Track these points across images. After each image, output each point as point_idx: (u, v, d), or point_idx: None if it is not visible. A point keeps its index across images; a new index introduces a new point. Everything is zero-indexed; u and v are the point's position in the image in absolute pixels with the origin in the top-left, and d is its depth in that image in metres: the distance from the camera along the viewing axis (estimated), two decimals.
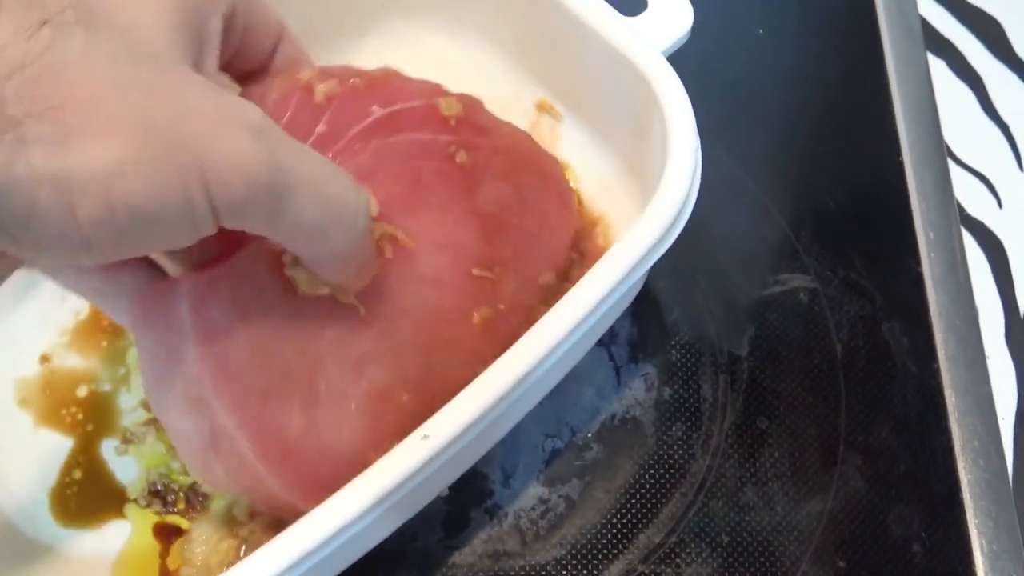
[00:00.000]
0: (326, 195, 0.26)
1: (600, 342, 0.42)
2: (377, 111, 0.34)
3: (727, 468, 0.40)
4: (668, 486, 0.40)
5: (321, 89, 0.33)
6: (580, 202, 0.42)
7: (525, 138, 0.38)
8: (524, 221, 0.36)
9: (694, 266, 0.44)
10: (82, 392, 0.40)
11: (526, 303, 0.35)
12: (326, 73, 0.34)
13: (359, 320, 0.31)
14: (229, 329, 0.29)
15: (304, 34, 0.39)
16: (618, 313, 0.42)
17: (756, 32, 0.51)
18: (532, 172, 0.37)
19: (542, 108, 0.44)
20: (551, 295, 0.36)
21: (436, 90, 0.36)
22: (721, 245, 0.45)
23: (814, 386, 0.42)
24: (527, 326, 0.32)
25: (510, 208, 0.35)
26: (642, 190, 0.40)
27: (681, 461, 0.40)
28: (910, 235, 0.45)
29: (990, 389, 0.42)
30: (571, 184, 0.42)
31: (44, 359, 0.40)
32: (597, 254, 0.40)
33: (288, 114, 0.33)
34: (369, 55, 0.45)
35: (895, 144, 0.47)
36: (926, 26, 0.52)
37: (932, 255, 0.45)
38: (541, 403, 0.41)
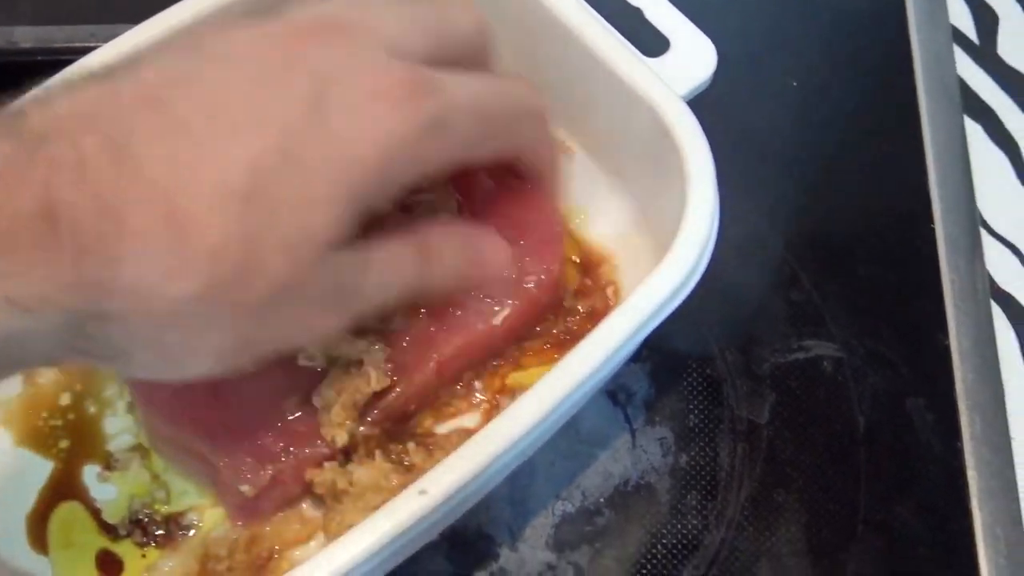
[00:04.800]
0: None
1: (616, 402, 0.41)
2: None
3: (741, 542, 0.39)
4: (680, 558, 0.38)
5: None
6: (577, 237, 0.40)
7: None
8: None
9: (714, 326, 0.43)
10: (67, 414, 0.37)
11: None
12: None
13: None
14: None
15: None
16: (621, 364, 0.40)
17: (790, 84, 0.50)
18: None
19: None
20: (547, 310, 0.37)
21: None
22: (744, 305, 0.44)
23: (834, 459, 0.41)
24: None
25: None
26: (655, 234, 0.39)
27: (695, 532, 0.39)
28: (939, 307, 0.44)
29: (1015, 474, 0.41)
30: (578, 220, 0.41)
31: (28, 377, 0.38)
32: (601, 290, 0.39)
33: None
34: None
35: (927, 211, 0.46)
36: (965, 88, 0.51)
37: (960, 329, 0.43)
38: (553, 463, 0.40)
